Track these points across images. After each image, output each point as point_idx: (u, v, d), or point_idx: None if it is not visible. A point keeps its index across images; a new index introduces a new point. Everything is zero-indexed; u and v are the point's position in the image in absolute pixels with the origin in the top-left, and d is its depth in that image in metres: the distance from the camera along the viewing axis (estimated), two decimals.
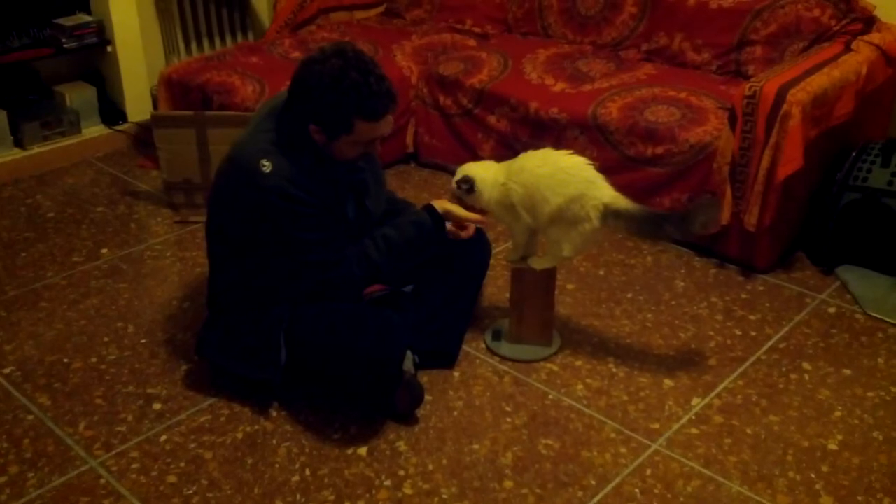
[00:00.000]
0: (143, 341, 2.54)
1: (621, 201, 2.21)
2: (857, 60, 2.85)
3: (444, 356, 2.42)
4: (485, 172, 2.30)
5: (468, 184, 2.28)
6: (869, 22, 3.08)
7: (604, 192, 2.21)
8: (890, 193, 2.72)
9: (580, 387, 2.34)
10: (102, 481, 2.04)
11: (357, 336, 2.12)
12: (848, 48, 2.94)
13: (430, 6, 4.08)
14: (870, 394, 2.32)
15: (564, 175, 2.20)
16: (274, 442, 2.15)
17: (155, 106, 3.72)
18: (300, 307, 2.19)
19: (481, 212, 2.32)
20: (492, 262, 2.60)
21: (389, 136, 3.51)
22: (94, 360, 2.46)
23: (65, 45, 3.68)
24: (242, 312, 2.24)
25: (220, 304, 2.30)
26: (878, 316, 2.63)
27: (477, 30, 3.91)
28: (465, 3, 3.98)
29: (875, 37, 2.99)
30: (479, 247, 2.45)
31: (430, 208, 2.27)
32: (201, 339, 2.34)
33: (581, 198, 2.19)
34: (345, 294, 2.22)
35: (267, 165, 2.03)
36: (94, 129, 3.88)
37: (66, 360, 2.47)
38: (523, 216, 2.27)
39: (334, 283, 2.14)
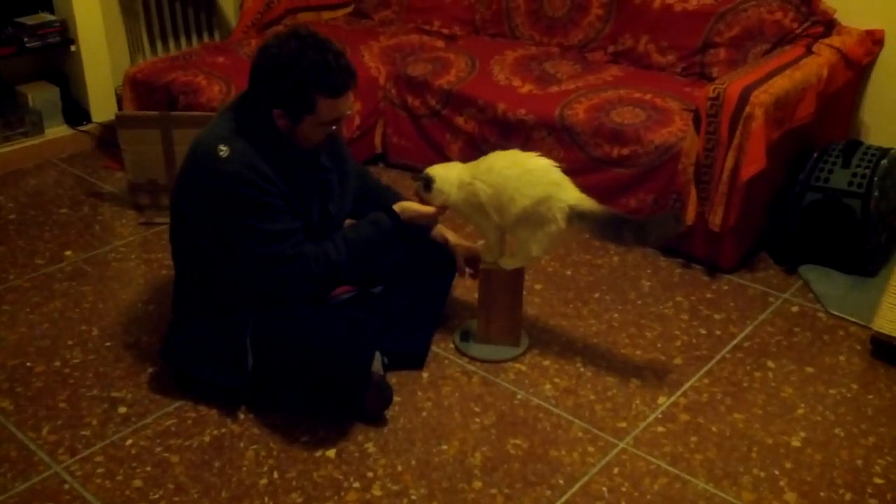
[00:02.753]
0: (107, 344, 2.51)
1: (586, 203, 2.22)
2: (818, 63, 2.90)
3: (412, 357, 2.42)
4: (447, 172, 2.31)
5: (426, 181, 2.28)
6: (829, 25, 3.13)
7: (570, 194, 2.23)
8: (851, 194, 2.76)
9: (548, 386, 2.35)
10: (66, 486, 2.02)
11: (325, 338, 2.11)
12: (809, 51, 2.98)
13: (398, 7, 4.08)
14: (832, 391, 2.35)
15: (531, 177, 2.21)
16: (241, 445, 2.14)
17: (119, 106, 3.68)
18: (265, 310, 2.17)
19: (441, 209, 2.32)
20: None
21: (358, 136, 3.53)
22: (57, 363, 2.43)
23: (27, 44, 3.62)
24: (207, 316, 2.22)
25: (185, 306, 2.28)
26: (839, 314, 2.68)
27: (445, 31, 3.92)
28: (433, 4, 3.98)
29: (835, 40, 3.04)
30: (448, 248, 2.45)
31: (388, 208, 2.26)
32: (166, 343, 2.32)
33: (548, 199, 2.20)
34: (304, 292, 2.17)
35: (224, 150, 2.02)
36: (57, 130, 3.82)
37: (28, 364, 2.43)
38: (492, 215, 2.27)
39: (293, 279, 2.09)
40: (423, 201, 2.32)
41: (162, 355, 2.33)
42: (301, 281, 2.11)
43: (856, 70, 3.09)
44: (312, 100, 2.01)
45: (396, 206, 2.26)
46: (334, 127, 2.12)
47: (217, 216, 2.07)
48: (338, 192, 2.27)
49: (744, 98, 2.63)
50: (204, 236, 2.14)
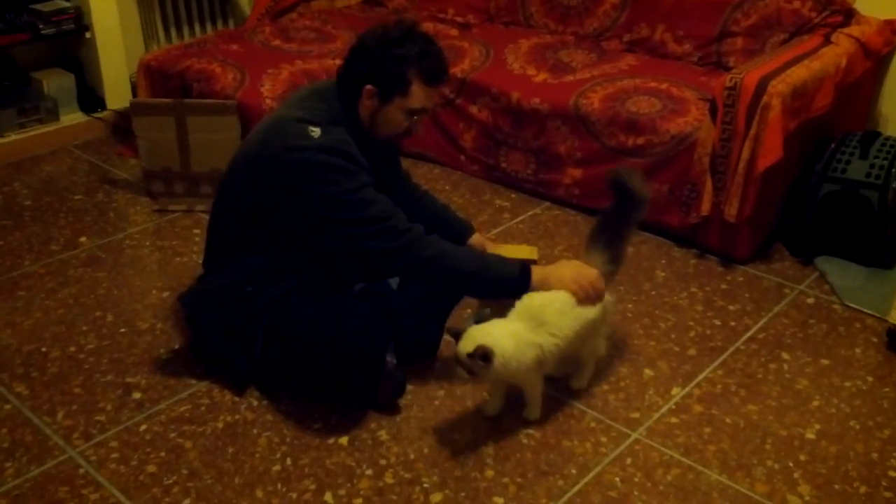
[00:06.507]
0: (121, 330, 2.52)
1: (602, 265, 2.18)
2: (837, 53, 2.87)
3: (426, 346, 2.42)
4: (503, 338, 2.00)
5: (485, 356, 1.96)
6: (848, 14, 3.10)
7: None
8: (868, 185, 2.74)
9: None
10: (81, 471, 2.03)
11: (340, 328, 2.11)
12: (827, 40, 2.96)
13: None
14: (847, 383, 2.34)
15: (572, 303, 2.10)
16: (255, 431, 2.15)
17: (134, 93, 3.69)
18: (284, 299, 2.17)
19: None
20: None
21: None
22: (72, 349, 2.44)
23: (42, 31, 3.63)
24: (233, 284, 2.21)
25: (214, 268, 2.29)
26: (855, 306, 2.66)
27: (459, 19, 3.90)
28: None
29: (854, 29, 3.01)
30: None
31: (525, 267, 2.11)
32: (190, 291, 2.34)
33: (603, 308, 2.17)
34: (397, 266, 2.10)
35: (316, 131, 2.04)
36: (72, 117, 3.83)
37: (44, 350, 2.44)
38: (549, 367, 2.12)
39: (392, 237, 2.04)
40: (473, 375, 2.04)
41: (181, 299, 2.35)
42: (398, 242, 2.05)
43: (874, 60, 3.06)
44: (408, 80, 2.06)
45: (536, 273, 2.10)
46: (415, 118, 2.13)
47: (296, 193, 2.05)
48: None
49: (761, 88, 2.61)
50: (258, 217, 2.15)
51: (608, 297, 2.20)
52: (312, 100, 2.15)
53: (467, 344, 1.97)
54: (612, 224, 2.23)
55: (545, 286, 2.09)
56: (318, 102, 2.13)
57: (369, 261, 2.10)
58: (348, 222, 2.05)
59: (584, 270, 2.13)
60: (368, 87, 2.08)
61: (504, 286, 2.11)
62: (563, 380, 2.29)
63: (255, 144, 2.15)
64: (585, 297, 2.10)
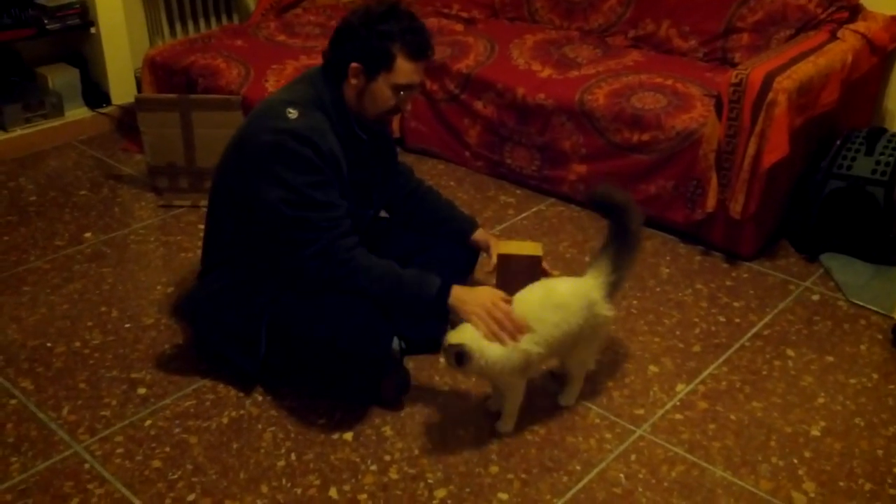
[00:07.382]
0: (126, 326, 2.53)
1: (605, 274, 2.10)
2: (843, 49, 2.86)
3: (430, 342, 2.41)
4: (479, 339, 1.98)
5: (461, 356, 1.96)
6: (854, 10, 3.09)
7: (593, 284, 2.10)
8: (874, 181, 2.73)
9: None
10: (86, 466, 2.03)
11: (343, 324, 2.10)
12: (833, 36, 2.95)
13: None
14: (852, 380, 2.34)
15: (559, 301, 2.05)
16: (259, 427, 2.15)
17: (139, 89, 3.69)
18: (284, 297, 2.17)
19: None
20: None
21: None
22: (77, 344, 2.45)
23: (47, 27, 3.64)
24: (231, 285, 2.21)
25: (212, 267, 2.29)
26: (860, 303, 2.65)
27: (464, 14, 3.90)
28: None
29: (860, 25, 3.00)
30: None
31: (446, 283, 2.07)
32: (189, 297, 2.34)
33: (592, 305, 2.07)
34: (315, 270, 2.08)
35: (293, 113, 2.05)
36: (77, 112, 3.84)
37: (49, 345, 2.45)
38: (530, 373, 2.09)
39: (314, 251, 2.04)
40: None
41: (182, 308, 2.34)
42: (320, 257, 2.05)
43: (881, 56, 3.06)
44: (393, 55, 2.06)
45: (456, 291, 2.06)
46: (402, 94, 2.13)
47: (257, 173, 2.05)
48: (377, 193, 2.30)
49: (767, 84, 2.60)
50: (241, 206, 2.15)
51: (608, 313, 2.12)
52: (301, 83, 2.17)
53: (452, 337, 1.99)
54: (616, 236, 2.14)
55: (460, 308, 2.03)
56: (305, 86, 2.14)
57: (280, 253, 2.09)
58: (279, 216, 2.03)
59: (499, 301, 2.03)
60: (354, 65, 2.08)
61: (422, 306, 2.08)
62: (561, 378, 2.28)
63: (242, 128, 2.17)
64: (491, 330, 1.98)
